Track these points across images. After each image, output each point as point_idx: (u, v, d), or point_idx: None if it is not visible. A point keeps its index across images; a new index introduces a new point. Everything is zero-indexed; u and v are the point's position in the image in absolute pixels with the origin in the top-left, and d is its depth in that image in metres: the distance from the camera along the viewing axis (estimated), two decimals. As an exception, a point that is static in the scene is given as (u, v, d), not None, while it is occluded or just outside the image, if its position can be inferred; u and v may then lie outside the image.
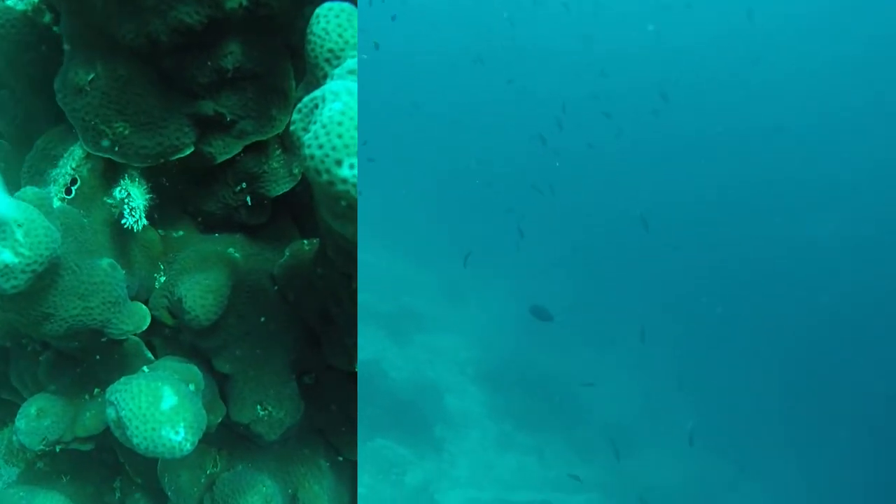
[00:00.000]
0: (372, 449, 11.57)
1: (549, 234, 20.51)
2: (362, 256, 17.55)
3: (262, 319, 2.98)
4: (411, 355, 14.48)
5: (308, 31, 1.97)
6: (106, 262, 2.66)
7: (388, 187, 22.18)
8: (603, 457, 13.09)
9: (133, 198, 2.69)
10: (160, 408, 2.35)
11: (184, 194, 3.05)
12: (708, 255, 22.57)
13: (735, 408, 15.79)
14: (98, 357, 3.00)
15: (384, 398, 12.37)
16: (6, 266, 2.15)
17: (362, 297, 15.44)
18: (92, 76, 2.54)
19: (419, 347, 14.93)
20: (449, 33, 34.18)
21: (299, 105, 1.76)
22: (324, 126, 1.58)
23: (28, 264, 2.20)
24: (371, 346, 14.05)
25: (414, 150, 26.47)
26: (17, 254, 2.16)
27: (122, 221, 2.69)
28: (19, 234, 2.17)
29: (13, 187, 3.19)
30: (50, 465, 3.65)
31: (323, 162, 1.56)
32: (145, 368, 2.78)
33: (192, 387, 2.67)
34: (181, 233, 3.09)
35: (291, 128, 1.78)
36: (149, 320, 2.85)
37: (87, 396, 3.11)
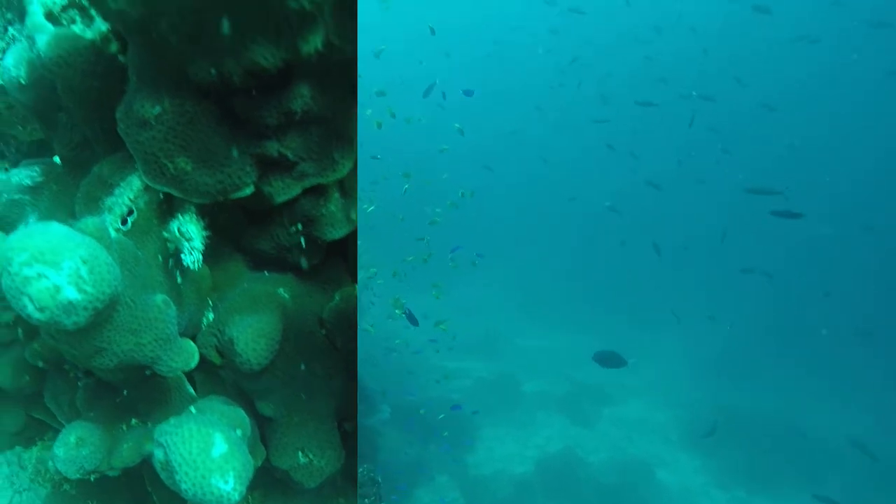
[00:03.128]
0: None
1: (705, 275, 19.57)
2: (521, 343, 16.89)
3: (309, 364, 2.94)
4: (604, 433, 13.07)
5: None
6: (160, 298, 2.63)
7: (518, 267, 21.93)
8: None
9: (193, 237, 2.66)
10: (211, 455, 2.31)
11: (237, 231, 3.02)
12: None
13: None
14: (139, 388, 2.97)
15: (589, 487, 11.10)
16: (70, 303, 2.11)
17: (531, 387, 14.55)
18: (158, 110, 2.52)
19: (609, 423, 13.49)
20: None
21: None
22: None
23: (90, 301, 2.16)
24: (558, 434, 12.77)
25: (536, 217, 26.39)
26: (80, 290, 2.13)
27: (182, 258, 2.66)
28: (84, 271, 2.13)
29: (64, 209, 3.19)
30: (77, 488, 3.64)
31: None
32: (193, 409, 2.74)
33: (239, 432, 2.63)
34: (232, 269, 3.06)
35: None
36: (197, 359, 2.81)
37: (124, 426, 3.07)
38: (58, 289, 2.08)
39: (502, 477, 11.12)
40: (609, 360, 8.49)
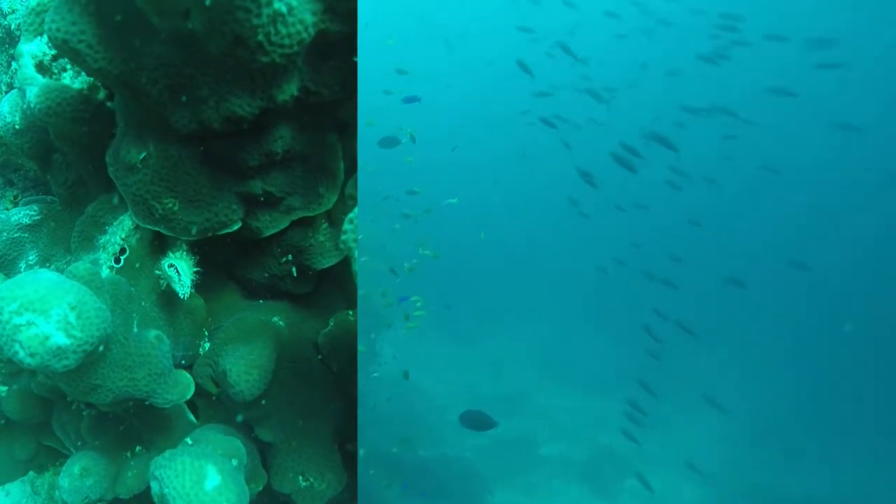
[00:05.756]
0: None
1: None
2: (544, 402, 15.18)
3: (306, 389, 3.02)
4: (628, 510, 11.45)
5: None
6: (153, 334, 2.71)
7: (545, 323, 20.59)
8: None
9: (182, 273, 2.75)
10: (204, 488, 2.39)
11: (230, 262, 3.10)
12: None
13: None
14: (141, 417, 3.06)
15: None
16: (59, 347, 2.20)
17: (550, 450, 12.94)
18: (144, 154, 2.61)
19: (632, 496, 11.87)
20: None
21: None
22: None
23: (80, 345, 2.25)
24: (575, 508, 11.27)
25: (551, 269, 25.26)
26: (69, 335, 2.21)
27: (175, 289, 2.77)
28: (72, 317, 2.22)
29: (62, 246, 3.29)
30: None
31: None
32: (188, 440, 2.82)
33: (234, 462, 2.70)
34: (226, 299, 3.15)
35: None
36: (192, 390, 2.89)
37: (128, 454, 3.16)
38: (47, 336, 2.16)
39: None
40: (475, 421, 7.52)
